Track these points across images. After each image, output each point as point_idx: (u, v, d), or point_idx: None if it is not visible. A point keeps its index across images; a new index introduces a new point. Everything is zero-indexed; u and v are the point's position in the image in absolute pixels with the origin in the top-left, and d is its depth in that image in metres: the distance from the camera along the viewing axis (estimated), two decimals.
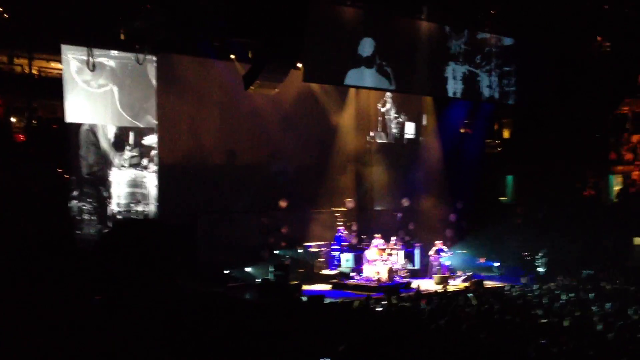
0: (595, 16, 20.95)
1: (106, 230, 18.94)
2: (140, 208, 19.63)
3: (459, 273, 21.78)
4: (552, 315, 13.55)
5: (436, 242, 22.34)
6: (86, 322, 9.15)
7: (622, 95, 24.26)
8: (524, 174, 28.25)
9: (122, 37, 17.96)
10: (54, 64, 19.84)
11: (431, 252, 22.07)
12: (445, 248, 22.24)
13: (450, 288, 19.22)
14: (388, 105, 26.48)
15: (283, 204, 21.13)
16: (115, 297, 11.64)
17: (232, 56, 19.98)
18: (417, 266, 22.41)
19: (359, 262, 20.97)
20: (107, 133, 19.30)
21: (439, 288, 18.65)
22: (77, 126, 18.91)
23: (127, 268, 13.41)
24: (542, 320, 13.00)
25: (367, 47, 19.91)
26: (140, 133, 19.74)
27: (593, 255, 22.92)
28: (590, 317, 13.18)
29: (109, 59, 18.98)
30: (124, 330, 8.58)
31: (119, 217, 19.39)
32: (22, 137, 19.46)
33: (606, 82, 23.78)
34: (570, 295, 16.46)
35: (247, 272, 20.33)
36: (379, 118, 26.41)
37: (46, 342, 7.93)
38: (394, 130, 26.77)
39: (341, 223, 22.57)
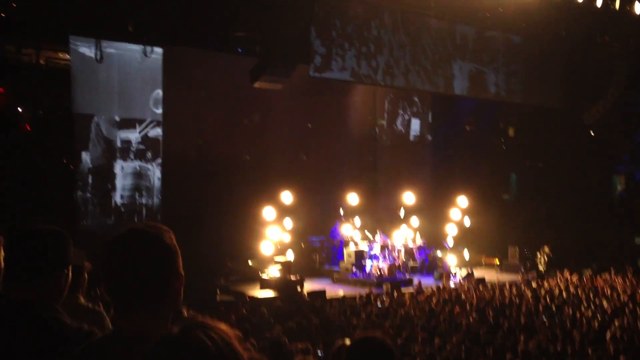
0: (602, 16, 20.92)
1: None
2: (144, 200, 19.74)
3: (459, 270, 21.90)
4: (550, 314, 13.66)
5: (422, 239, 22.64)
6: None
7: (629, 94, 24.27)
8: (528, 172, 28.31)
9: (129, 29, 18.02)
10: (61, 55, 19.91)
11: (414, 249, 22.36)
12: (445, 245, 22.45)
13: (450, 284, 19.34)
14: (394, 102, 26.56)
15: None
16: None
17: (239, 50, 20.04)
18: (418, 262, 22.53)
19: (360, 257, 21.07)
20: (113, 124, 19.39)
21: (440, 284, 18.73)
22: (83, 117, 19.00)
23: None
24: (543, 319, 13.12)
25: (373, 43, 20.00)
26: (146, 125, 19.83)
27: (594, 252, 23.00)
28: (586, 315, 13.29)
29: (116, 50, 19.06)
30: None
31: (122, 209, 19.50)
32: (28, 127, 19.54)
33: (613, 82, 23.76)
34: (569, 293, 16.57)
35: (249, 266, 20.47)
36: (385, 114, 26.49)
37: None
38: (400, 127, 26.85)
39: (343, 218, 22.69)
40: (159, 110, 19.78)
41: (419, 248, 22.57)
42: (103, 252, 2.24)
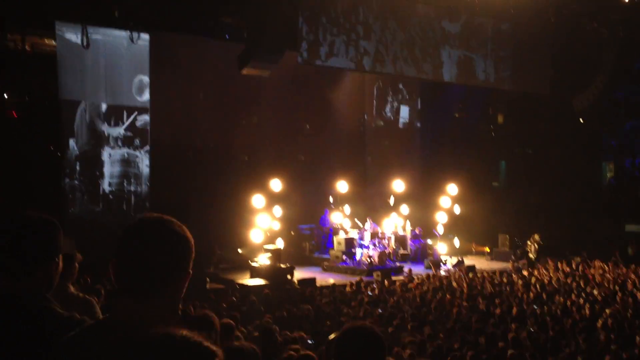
0: (591, 3, 20.88)
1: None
2: (132, 188, 19.59)
3: (450, 258, 21.89)
4: (540, 302, 13.64)
5: (417, 228, 22.60)
6: None
7: (617, 81, 24.27)
8: (517, 159, 28.31)
9: (115, 14, 17.81)
10: (47, 41, 19.68)
11: (409, 237, 22.33)
12: (435, 234, 22.46)
13: (441, 272, 19.33)
14: (383, 89, 26.45)
15: None
16: None
17: (227, 36, 19.86)
18: (408, 250, 22.52)
19: (350, 245, 21.00)
20: (100, 111, 19.20)
21: (430, 272, 18.72)
22: (69, 103, 18.81)
23: None
24: (534, 307, 13.10)
25: (361, 29, 19.86)
26: (133, 112, 19.65)
27: (585, 240, 23.03)
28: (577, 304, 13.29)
29: (102, 36, 18.84)
30: None
31: (110, 196, 19.35)
32: (14, 114, 19.33)
33: (602, 69, 23.74)
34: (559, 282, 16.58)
35: (239, 254, 20.37)
36: (374, 101, 26.38)
37: None
38: (389, 114, 26.75)
39: (333, 205, 22.61)
40: (147, 97, 19.61)
41: (415, 237, 22.49)
42: (120, 235, 2.22)
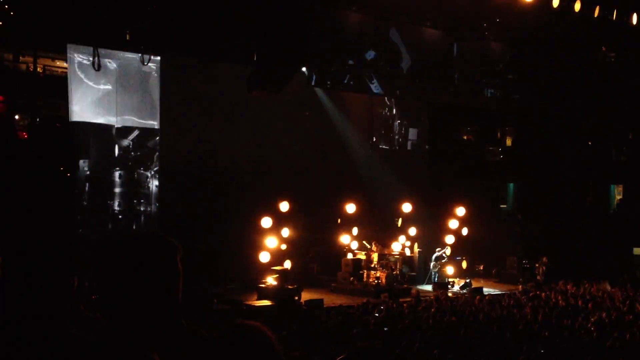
0: (600, 26, 20.97)
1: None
2: (141, 208, 19.70)
3: (457, 280, 21.82)
4: (548, 325, 13.60)
5: (437, 249, 22.50)
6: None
7: (626, 104, 24.29)
8: (525, 182, 28.28)
9: (127, 37, 17.99)
10: (59, 63, 19.91)
11: (432, 258, 22.25)
12: (444, 255, 22.35)
13: (448, 294, 19.28)
14: (391, 111, 26.52)
15: None
16: None
17: (237, 59, 20.00)
18: (416, 272, 22.47)
19: (358, 267, 20.97)
20: (111, 133, 19.36)
21: (438, 294, 18.67)
22: (80, 125, 18.97)
23: None
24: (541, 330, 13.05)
25: (371, 52, 20.02)
26: (143, 133, 19.80)
27: (593, 263, 22.94)
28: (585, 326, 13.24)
29: (114, 59, 19.04)
30: None
31: (119, 216, 19.44)
32: (25, 135, 19.51)
33: (610, 92, 23.78)
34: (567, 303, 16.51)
35: (246, 274, 20.35)
36: (382, 123, 26.45)
37: None
38: (397, 136, 26.79)
39: (341, 227, 22.57)
40: (157, 118, 19.76)
41: (435, 259, 22.30)
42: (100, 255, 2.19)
